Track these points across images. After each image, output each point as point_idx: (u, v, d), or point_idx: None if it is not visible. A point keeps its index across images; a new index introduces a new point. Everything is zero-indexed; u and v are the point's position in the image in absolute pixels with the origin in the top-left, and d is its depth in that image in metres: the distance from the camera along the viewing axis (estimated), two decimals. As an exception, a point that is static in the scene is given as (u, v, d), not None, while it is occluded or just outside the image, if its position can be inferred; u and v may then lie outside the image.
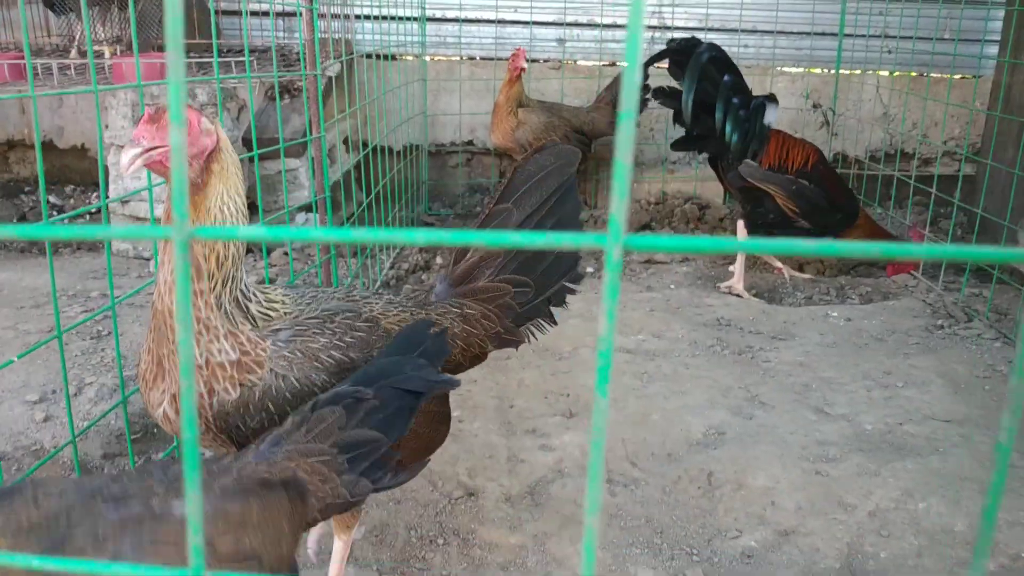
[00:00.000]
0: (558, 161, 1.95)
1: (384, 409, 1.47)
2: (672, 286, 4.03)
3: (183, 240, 0.45)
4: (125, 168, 1.44)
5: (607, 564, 2.07)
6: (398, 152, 5.26)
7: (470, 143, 5.73)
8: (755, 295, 3.98)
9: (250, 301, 1.65)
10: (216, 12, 5.43)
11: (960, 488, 2.29)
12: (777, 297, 4.05)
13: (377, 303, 1.86)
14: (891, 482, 2.33)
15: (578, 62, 5.63)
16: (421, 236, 0.51)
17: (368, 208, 4.80)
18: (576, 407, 2.77)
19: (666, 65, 4.22)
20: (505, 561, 2.09)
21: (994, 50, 5.41)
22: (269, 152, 3.45)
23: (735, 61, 5.44)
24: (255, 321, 1.65)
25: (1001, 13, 5.25)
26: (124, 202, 4.34)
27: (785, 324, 3.54)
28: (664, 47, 4.21)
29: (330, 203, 3.38)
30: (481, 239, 0.53)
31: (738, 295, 3.94)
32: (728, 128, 4.02)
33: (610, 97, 5.13)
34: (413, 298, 1.98)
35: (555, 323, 2.13)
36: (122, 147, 4.08)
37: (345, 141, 5.29)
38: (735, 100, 4.04)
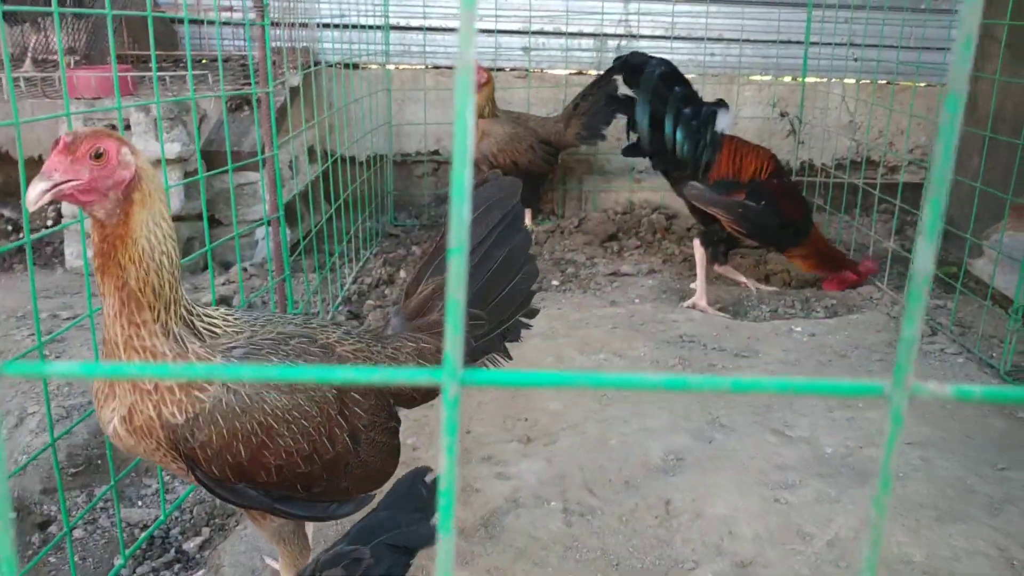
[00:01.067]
0: (501, 193, 1.95)
1: (379, 567, 1.45)
2: (637, 300, 3.99)
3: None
4: (31, 203, 1.38)
5: (562, 601, 2.02)
6: (363, 162, 5.19)
7: (436, 152, 5.67)
8: (720, 309, 3.95)
9: (194, 317, 1.62)
10: (175, 21, 5.33)
11: (919, 516, 2.26)
12: (742, 310, 4.02)
13: (334, 332, 1.84)
14: (850, 509, 2.29)
15: (545, 71, 5.59)
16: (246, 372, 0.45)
17: (332, 219, 4.72)
18: (534, 432, 2.72)
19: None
20: (460, 599, 2.03)
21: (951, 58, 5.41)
22: (229, 166, 3.39)
23: (702, 70, 5.45)
24: (203, 338, 1.62)
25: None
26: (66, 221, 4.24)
27: (749, 340, 3.51)
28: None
29: (284, 219, 3.31)
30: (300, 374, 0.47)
31: (702, 311, 3.91)
32: (679, 138, 3.98)
33: (576, 109, 5.08)
34: (370, 331, 1.96)
35: (510, 358, 2.08)
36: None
37: (311, 151, 5.21)
38: (686, 111, 4.01)
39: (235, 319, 1.72)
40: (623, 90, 4.37)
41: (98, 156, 1.41)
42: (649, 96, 3.97)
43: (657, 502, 2.35)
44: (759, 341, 3.50)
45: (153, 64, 2.37)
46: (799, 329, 3.62)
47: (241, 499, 1.68)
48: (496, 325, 2.02)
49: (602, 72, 5.00)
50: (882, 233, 5.23)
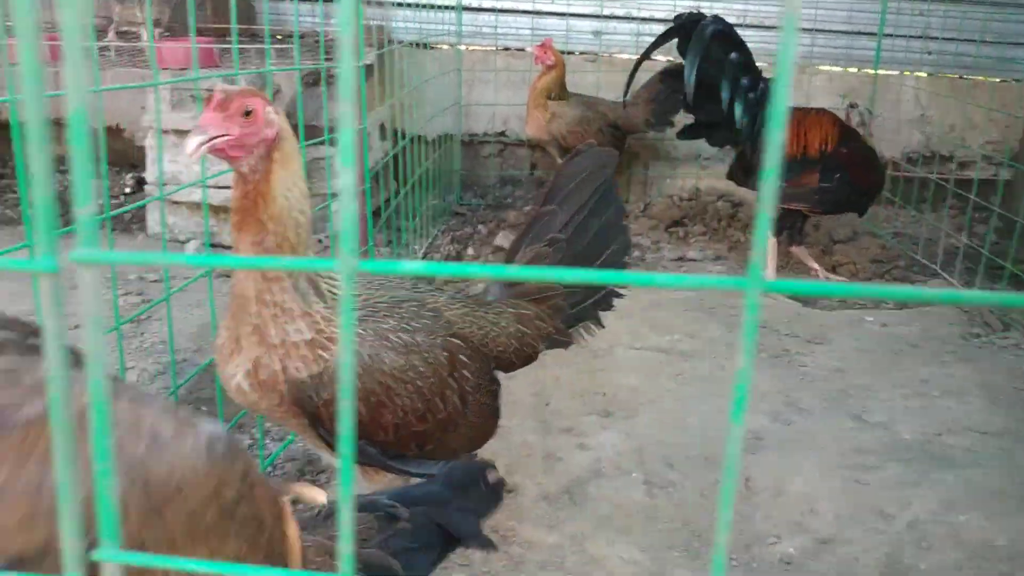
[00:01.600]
0: (595, 163, 2.01)
1: (413, 538, 1.32)
2: (705, 285, 4.02)
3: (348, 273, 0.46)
4: (190, 153, 1.46)
5: (645, 566, 2.08)
6: (432, 141, 5.27)
7: (503, 134, 5.73)
8: (790, 297, 3.97)
9: (321, 279, 1.69)
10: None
11: (1001, 502, 2.28)
12: (812, 299, 4.03)
13: (440, 296, 1.93)
14: (930, 494, 2.32)
15: (615, 55, 5.61)
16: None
17: (401, 196, 4.82)
18: (612, 406, 2.78)
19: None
20: (543, 560, 2.10)
21: (1036, 53, 5.34)
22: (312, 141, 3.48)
23: (774, 59, 5.43)
24: (326, 299, 1.69)
25: None
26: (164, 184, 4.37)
27: (821, 328, 3.53)
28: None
29: (369, 192, 3.40)
30: (609, 277, 0.53)
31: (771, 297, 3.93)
32: (738, 112, 3.93)
33: (647, 94, 5.11)
34: (472, 297, 2.03)
35: (602, 326, 2.14)
36: (163, 131, 4.11)
37: (382, 128, 5.31)
38: (744, 81, 3.95)
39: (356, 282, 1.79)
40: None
41: (247, 113, 1.48)
42: (698, 55, 3.90)
43: (737, 478, 2.40)
44: (831, 329, 3.51)
45: (234, 36, 2.45)
46: (871, 319, 3.63)
47: (359, 456, 1.75)
48: (591, 294, 2.08)
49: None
50: (952, 228, 5.19)
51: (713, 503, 2.33)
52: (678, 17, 4.17)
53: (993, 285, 4.08)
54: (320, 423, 1.68)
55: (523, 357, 2.02)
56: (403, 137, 5.19)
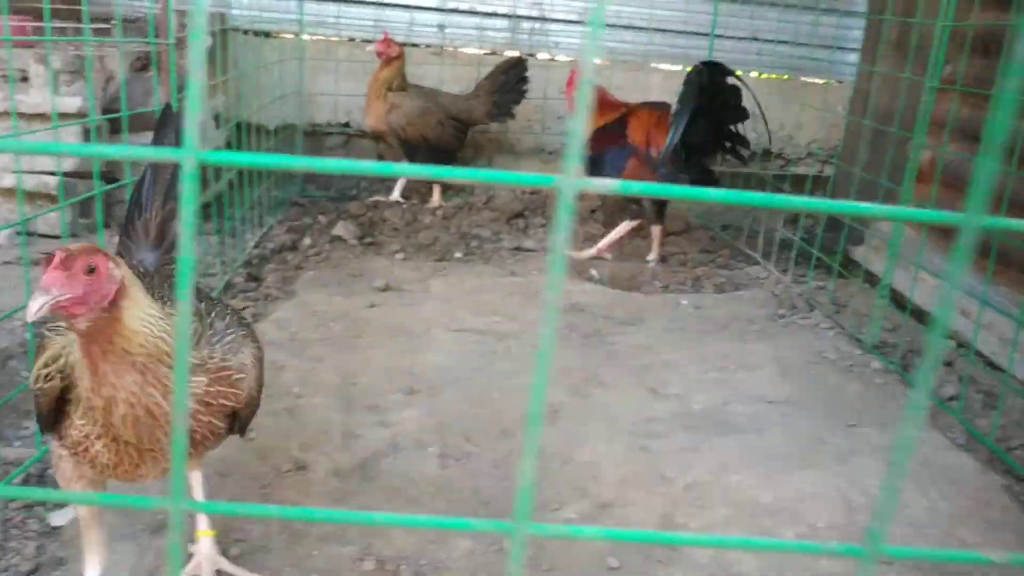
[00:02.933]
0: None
1: None
2: (535, 272, 4.09)
3: None
4: (31, 316, 1.44)
5: (427, 535, 2.10)
6: (272, 131, 5.18)
7: (347, 125, 5.69)
8: (612, 286, 4.09)
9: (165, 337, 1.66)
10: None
11: (773, 464, 2.41)
12: (636, 285, 4.16)
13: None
14: (710, 457, 2.43)
15: (460, 49, 5.65)
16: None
17: (237, 185, 4.70)
18: (419, 384, 2.79)
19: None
20: (325, 533, 2.09)
21: (855, 57, 5.68)
22: (129, 126, 3.38)
23: (614, 56, 5.60)
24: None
25: (862, 23, 5.52)
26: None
27: (638, 310, 3.64)
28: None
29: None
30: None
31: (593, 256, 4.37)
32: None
33: (489, 86, 5.17)
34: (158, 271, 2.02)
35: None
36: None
37: (217, 118, 5.18)
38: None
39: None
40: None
41: (91, 271, 1.48)
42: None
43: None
44: (647, 311, 3.64)
45: (46, 11, 2.36)
46: (685, 302, 3.78)
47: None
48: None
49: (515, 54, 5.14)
50: (777, 220, 5.45)
51: (505, 473, 2.37)
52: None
53: (803, 274, 4.29)
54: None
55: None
56: (240, 126, 5.08)
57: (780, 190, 5.48)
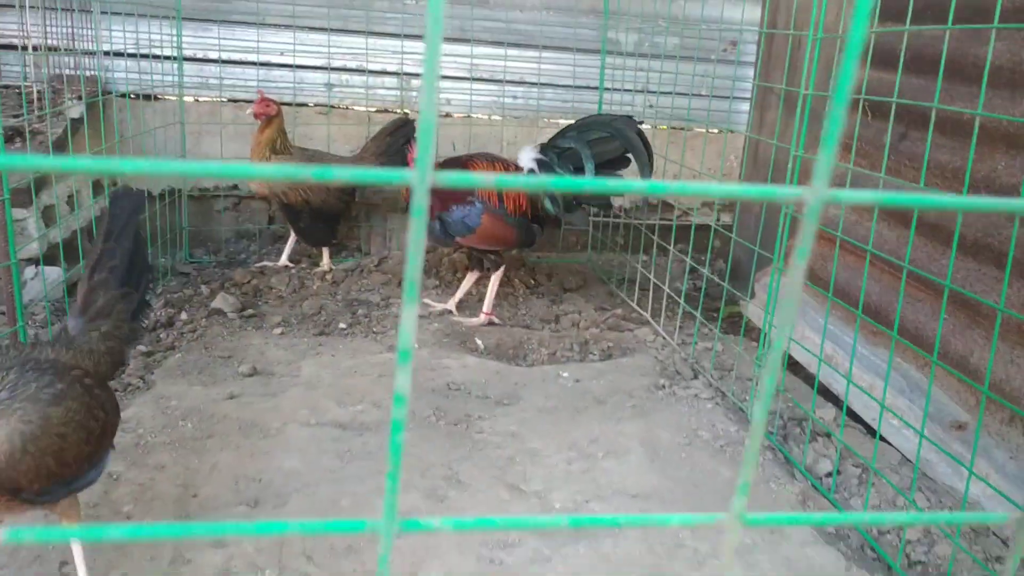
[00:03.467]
0: (133, 205, 2.46)
1: None
2: (416, 345, 3.96)
3: None
4: None
5: None
6: (157, 196, 5.00)
7: (235, 188, 5.51)
8: (496, 357, 3.98)
9: None
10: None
11: (627, 573, 2.31)
12: (522, 353, 4.06)
13: (48, 349, 2.15)
14: (560, 569, 2.32)
15: (349, 107, 5.53)
16: None
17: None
18: (264, 494, 2.63)
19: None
20: None
21: (745, 107, 5.71)
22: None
23: (503, 112, 5.54)
24: None
25: (750, 72, 5.56)
26: None
27: (515, 386, 3.54)
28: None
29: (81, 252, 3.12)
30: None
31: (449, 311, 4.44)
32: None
33: (376, 147, 5.05)
34: (59, 339, 2.23)
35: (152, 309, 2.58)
36: None
37: (96, 184, 4.98)
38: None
39: None
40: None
41: None
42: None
43: (375, 567, 2.31)
44: (525, 387, 3.53)
45: None
46: (566, 374, 3.68)
47: (51, 498, 1.99)
48: (139, 291, 2.49)
49: (402, 112, 5.04)
50: (676, 273, 5.42)
51: (345, 597, 2.23)
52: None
53: (689, 332, 4.24)
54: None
55: (115, 367, 2.37)
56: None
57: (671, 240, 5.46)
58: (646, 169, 4.36)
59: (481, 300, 4.56)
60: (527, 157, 4.43)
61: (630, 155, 4.39)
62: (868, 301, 3.59)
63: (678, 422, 3.23)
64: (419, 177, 0.48)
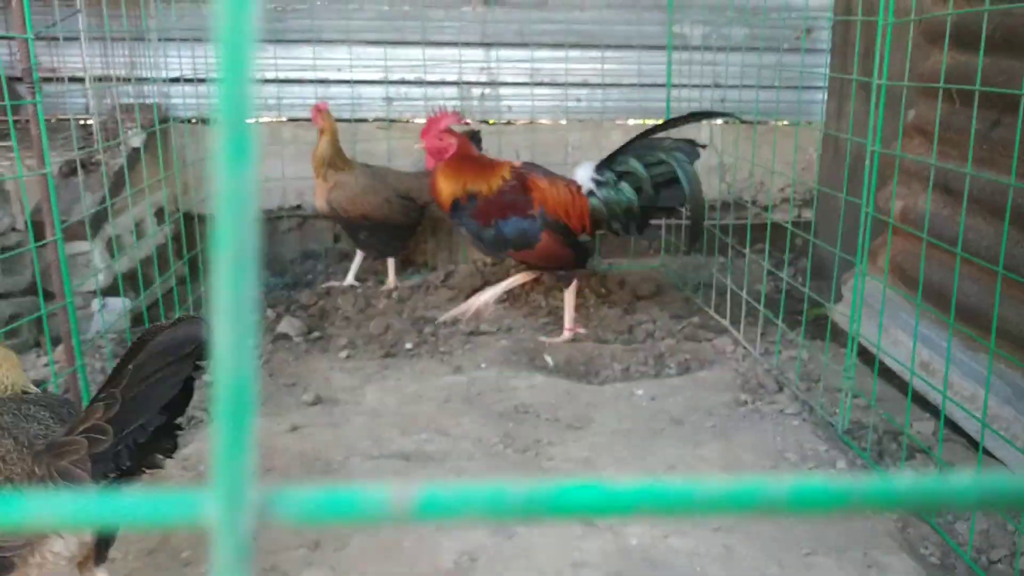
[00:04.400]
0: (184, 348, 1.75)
1: None
2: (483, 364, 3.82)
3: None
4: None
5: None
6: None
7: (299, 207, 5.47)
8: (566, 374, 3.81)
9: None
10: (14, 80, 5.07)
11: (709, 618, 2.12)
12: (593, 369, 3.88)
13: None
14: (637, 614, 2.14)
15: (410, 120, 5.43)
16: None
17: (187, 281, 4.55)
18: (324, 535, 2.52)
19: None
20: None
21: (821, 96, 5.41)
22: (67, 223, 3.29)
23: (568, 116, 5.37)
24: None
25: (824, 60, 5.27)
26: None
27: (587, 407, 3.37)
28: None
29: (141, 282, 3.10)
30: None
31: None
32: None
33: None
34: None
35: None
36: None
37: (160, 212, 4.99)
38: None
39: None
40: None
41: None
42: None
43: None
44: (597, 408, 3.36)
45: None
46: (640, 392, 3.49)
47: None
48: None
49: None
50: (755, 275, 5.17)
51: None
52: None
53: (771, 339, 4.00)
54: None
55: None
56: (186, 218, 4.92)
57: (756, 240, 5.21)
58: (692, 204, 4.17)
59: (544, 309, 4.42)
60: (584, 175, 4.18)
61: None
62: (966, 303, 3.30)
63: (762, 443, 3.01)
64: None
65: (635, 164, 4.08)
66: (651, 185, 4.06)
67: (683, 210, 4.34)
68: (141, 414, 1.74)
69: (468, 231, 4.20)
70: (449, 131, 4.19)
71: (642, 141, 4.16)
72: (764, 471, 2.82)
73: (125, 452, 1.75)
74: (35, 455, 1.72)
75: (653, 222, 4.38)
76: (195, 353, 1.74)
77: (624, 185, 4.10)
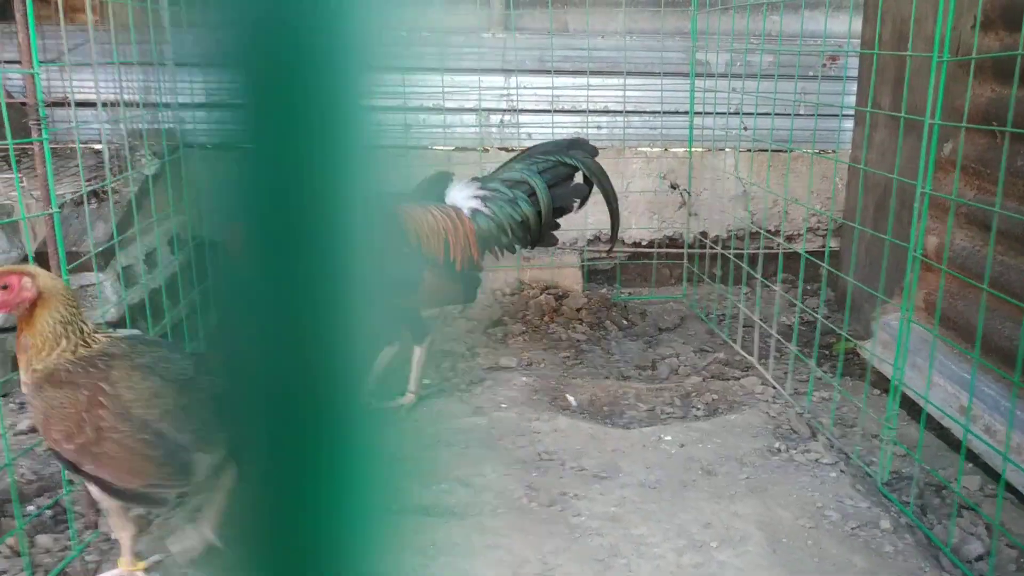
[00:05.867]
0: None
1: None
2: (504, 404, 3.69)
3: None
4: None
5: None
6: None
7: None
8: (590, 416, 3.68)
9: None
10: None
11: None
12: (618, 410, 3.75)
13: None
14: None
15: (429, 148, 5.33)
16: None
17: (201, 310, 4.46)
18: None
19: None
20: None
21: (850, 124, 5.28)
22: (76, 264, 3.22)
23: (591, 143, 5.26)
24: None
25: (854, 87, 5.14)
26: None
27: (613, 454, 3.23)
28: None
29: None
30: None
31: None
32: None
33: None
34: None
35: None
36: None
37: (172, 241, 4.89)
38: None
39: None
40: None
41: (4, 287, 2.16)
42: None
43: None
44: (623, 455, 3.22)
45: None
46: (669, 438, 3.35)
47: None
48: None
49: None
50: (782, 305, 5.03)
51: None
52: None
53: (806, 379, 3.86)
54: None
55: None
56: (201, 245, 4.83)
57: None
58: (605, 197, 3.91)
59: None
60: (462, 196, 3.74)
61: (591, 181, 3.91)
62: (1007, 345, 3.16)
63: (800, 498, 2.86)
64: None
65: (525, 171, 3.78)
66: (546, 188, 3.75)
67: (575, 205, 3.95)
68: None
69: None
70: None
71: (530, 150, 3.90)
72: (804, 530, 2.67)
73: None
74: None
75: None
76: None
77: (517, 193, 3.76)
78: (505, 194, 3.75)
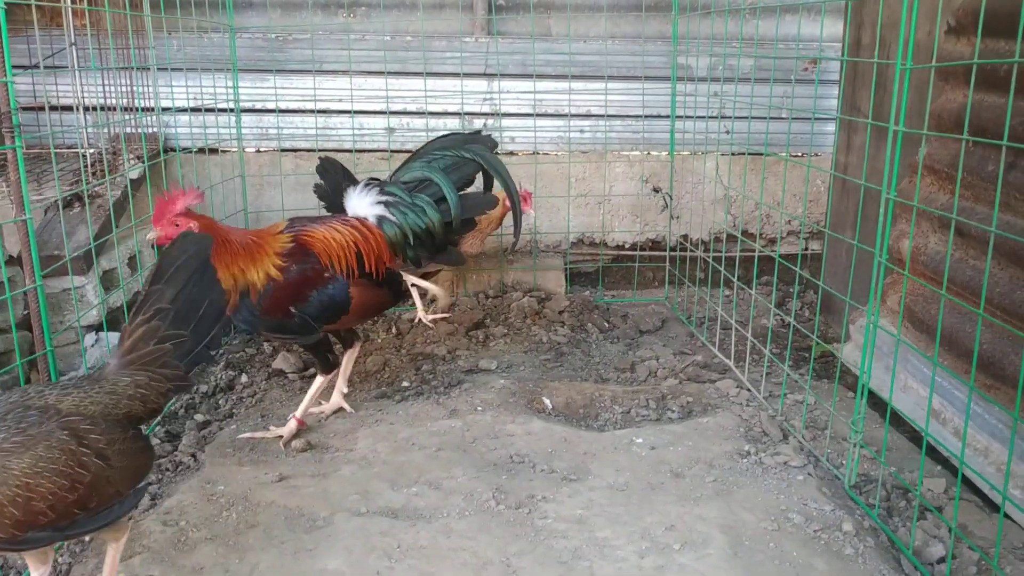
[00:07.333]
0: (196, 246, 2.43)
1: None
2: (480, 407, 3.72)
3: None
4: None
5: None
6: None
7: (298, 239, 5.39)
8: (566, 418, 3.70)
9: None
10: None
11: None
12: (593, 412, 3.77)
13: (51, 392, 2.17)
14: None
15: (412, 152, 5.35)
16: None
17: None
18: None
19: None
20: None
21: (830, 127, 5.32)
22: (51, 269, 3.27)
23: (571, 147, 5.28)
24: None
25: (835, 91, 5.16)
26: None
27: (584, 457, 3.26)
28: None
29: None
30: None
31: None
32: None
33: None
34: (87, 377, 2.29)
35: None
36: None
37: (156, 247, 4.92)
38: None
39: None
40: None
41: None
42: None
43: None
44: (594, 457, 3.25)
45: None
46: (640, 440, 3.38)
47: (35, 544, 2.02)
48: (197, 342, 2.44)
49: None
50: (762, 307, 5.06)
51: None
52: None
53: (776, 379, 3.88)
54: None
55: (150, 409, 2.33)
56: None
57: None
58: (511, 189, 3.72)
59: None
60: (364, 203, 3.59)
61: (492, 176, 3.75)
62: (980, 350, 3.18)
63: (765, 501, 2.89)
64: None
65: (429, 170, 3.61)
66: (455, 191, 3.59)
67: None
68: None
69: (265, 329, 3.35)
70: (187, 213, 3.08)
71: (427, 146, 3.72)
72: (766, 533, 2.70)
73: None
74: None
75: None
76: None
77: (422, 197, 3.59)
78: (405, 199, 3.58)
